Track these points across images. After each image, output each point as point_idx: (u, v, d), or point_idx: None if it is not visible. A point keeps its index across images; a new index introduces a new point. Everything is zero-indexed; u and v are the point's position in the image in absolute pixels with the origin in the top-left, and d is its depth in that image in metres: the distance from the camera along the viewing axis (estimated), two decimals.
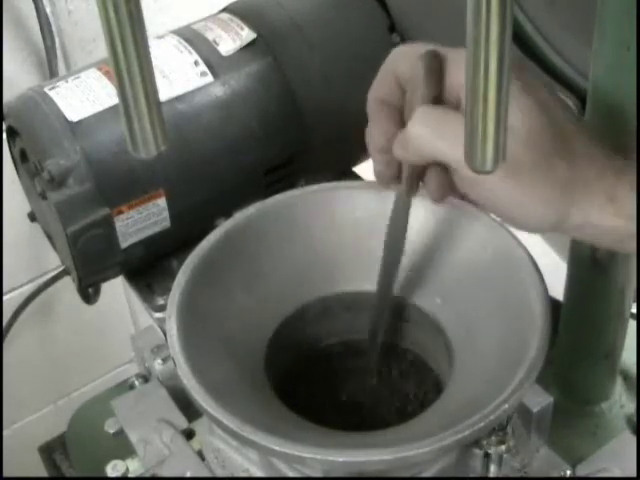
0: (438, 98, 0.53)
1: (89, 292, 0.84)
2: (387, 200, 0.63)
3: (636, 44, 0.51)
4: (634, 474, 0.60)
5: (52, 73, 1.06)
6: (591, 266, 0.64)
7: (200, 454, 0.63)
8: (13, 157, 0.80)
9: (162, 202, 0.75)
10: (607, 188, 0.50)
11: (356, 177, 0.90)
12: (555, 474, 0.61)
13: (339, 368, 0.66)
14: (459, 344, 0.60)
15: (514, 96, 0.48)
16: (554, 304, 0.58)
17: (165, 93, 0.74)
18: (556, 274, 0.66)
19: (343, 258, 0.65)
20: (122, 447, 0.65)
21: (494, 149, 0.39)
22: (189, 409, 0.62)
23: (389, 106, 0.56)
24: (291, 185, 0.81)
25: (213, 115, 0.76)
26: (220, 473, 0.63)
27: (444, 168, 0.54)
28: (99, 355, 1.40)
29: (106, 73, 0.75)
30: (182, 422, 0.65)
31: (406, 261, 0.63)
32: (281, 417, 0.56)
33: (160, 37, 0.80)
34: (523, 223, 0.53)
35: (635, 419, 0.72)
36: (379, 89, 0.55)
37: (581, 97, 0.67)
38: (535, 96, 0.50)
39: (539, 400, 0.60)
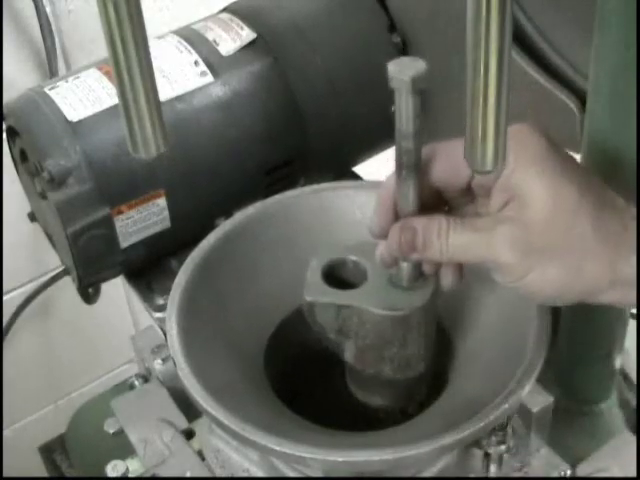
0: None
1: (89, 292, 0.84)
2: None
3: (636, 44, 0.51)
4: (634, 474, 0.60)
5: (52, 73, 1.06)
6: None
7: (200, 454, 0.63)
8: (13, 157, 0.80)
9: (162, 202, 0.75)
10: (632, 238, 0.49)
11: (356, 177, 0.90)
12: (555, 474, 0.61)
13: (339, 368, 0.65)
14: (459, 344, 0.61)
15: (543, 183, 0.49)
16: None
17: (165, 93, 0.74)
18: None
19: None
20: (122, 447, 0.65)
21: (494, 149, 0.39)
22: (189, 409, 0.62)
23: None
24: (291, 185, 0.81)
25: (213, 115, 0.76)
26: (220, 473, 0.63)
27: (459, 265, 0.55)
28: (99, 355, 1.40)
29: (106, 73, 0.75)
30: (182, 422, 0.65)
31: None
32: (281, 417, 0.56)
33: (160, 37, 0.80)
34: (570, 301, 0.52)
35: (635, 419, 0.72)
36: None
37: (581, 97, 0.67)
38: (564, 177, 0.50)
39: (539, 400, 0.60)
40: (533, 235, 0.49)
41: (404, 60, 0.47)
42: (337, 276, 0.58)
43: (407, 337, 0.56)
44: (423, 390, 0.60)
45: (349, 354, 0.58)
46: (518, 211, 0.49)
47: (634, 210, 0.51)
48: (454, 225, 0.51)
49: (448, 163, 0.52)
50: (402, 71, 0.47)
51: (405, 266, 0.55)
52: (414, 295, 0.55)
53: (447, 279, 0.55)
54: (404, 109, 0.49)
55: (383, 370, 0.58)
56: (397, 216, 0.53)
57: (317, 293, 0.56)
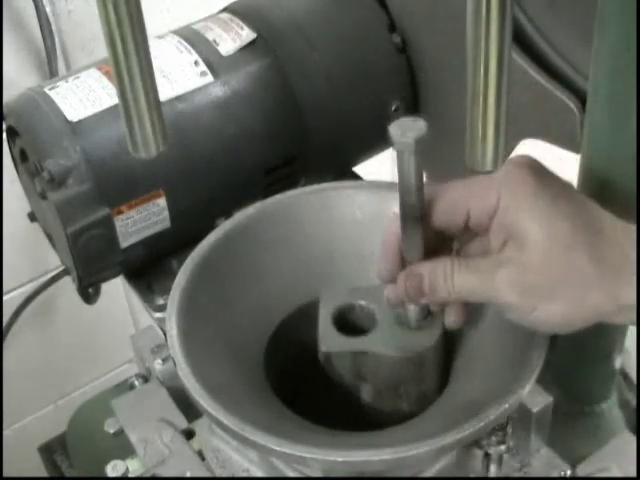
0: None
1: (89, 292, 0.84)
2: (387, 200, 0.63)
3: (636, 44, 0.51)
4: (634, 474, 0.60)
5: (52, 73, 1.06)
6: None
7: (200, 454, 0.63)
8: (13, 157, 0.80)
9: (162, 202, 0.75)
10: (632, 263, 0.49)
11: (356, 177, 0.90)
12: (555, 474, 0.61)
13: None
14: (459, 344, 0.60)
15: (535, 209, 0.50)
16: None
17: (165, 93, 0.74)
18: None
19: (343, 258, 0.65)
20: (122, 447, 0.65)
21: (494, 149, 0.39)
22: (189, 409, 0.62)
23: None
24: (291, 185, 0.81)
25: (213, 115, 0.76)
26: (220, 473, 0.63)
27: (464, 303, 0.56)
28: (99, 355, 1.40)
29: (106, 73, 0.75)
30: (182, 422, 0.65)
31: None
32: (281, 417, 0.56)
33: (160, 37, 0.80)
34: (578, 328, 0.52)
35: (635, 419, 0.72)
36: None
37: (581, 97, 0.67)
38: (555, 204, 0.50)
39: (539, 400, 0.60)
40: (531, 275, 0.50)
41: (404, 122, 0.49)
42: (347, 320, 0.60)
43: (422, 374, 0.58)
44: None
45: (366, 395, 0.60)
46: (516, 251, 0.50)
47: (633, 229, 0.50)
48: (458, 267, 0.52)
49: (446, 205, 0.53)
50: (404, 133, 0.48)
51: (412, 308, 0.57)
52: (424, 334, 0.58)
53: (450, 318, 0.57)
54: (406, 168, 0.50)
55: (401, 406, 0.59)
56: (403, 260, 0.55)
57: (332, 343, 0.58)
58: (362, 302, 0.61)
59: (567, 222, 0.49)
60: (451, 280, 0.52)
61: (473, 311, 0.60)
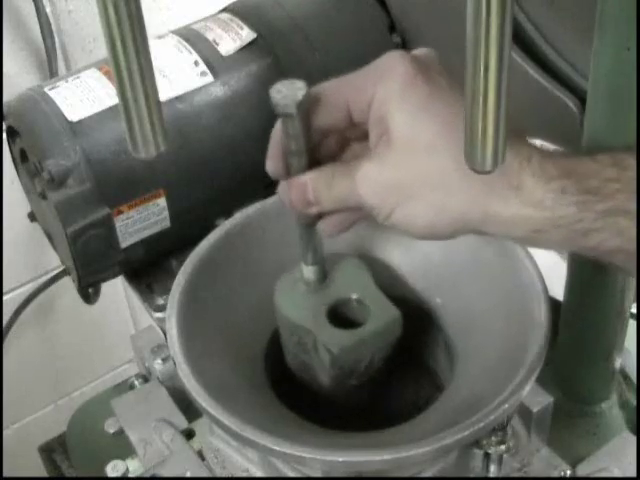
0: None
1: (89, 292, 0.84)
2: None
3: (636, 44, 0.51)
4: (634, 474, 0.60)
5: (52, 73, 1.06)
6: (591, 266, 0.64)
7: (200, 454, 0.63)
8: (13, 157, 0.80)
9: (162, 202, 0.75)
10: (509, 176, 0.46)
11: None
12: (555, 474, 0.61)
13: None
14: (459, 344, 0.61)
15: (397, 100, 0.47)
16: (554, 304, 0.58)
17: (165, 93, 0.74)
18: (556, 274, 0.66)
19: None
20: (122, 447, 0.65)
21: (494, 149, 0.39)
22: (189, 409, 0.62)
23: None
24: None
25: (213, 115, 0.76)
26: (220, 473, 0.63)
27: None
28: (99, 355, 1.40)
29: (106, 73, 0.75)
30: (182, 422, 0.65)
31: (407, 261, 0.63)
32: (281, 417, 0.57)
33: (160, 37, 0.80)
34: (425, 234, 0.50)
35: (635, 419, 0.72)
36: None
37: (581, 97, 0.67)
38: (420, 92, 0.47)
39: (539, 400, 0.60)
40: (388, 174, 0.48)
41: (284, 84, 0.48)
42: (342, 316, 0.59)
43: None
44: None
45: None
46: (383, 148, 0.48)
47: (522, 143, 0.47)
48: (340, 172, 0.50)
49: (326, 102, 0.50)
50: (286, 96, 0.47)
51: (308, 269, 0.58)
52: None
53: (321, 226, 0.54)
54: (291, 131, 0.49)
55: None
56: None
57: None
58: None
59: (437, 123, 0.46)
60: (331, 187, 0.50)
61: (473, 308, 0.60)
